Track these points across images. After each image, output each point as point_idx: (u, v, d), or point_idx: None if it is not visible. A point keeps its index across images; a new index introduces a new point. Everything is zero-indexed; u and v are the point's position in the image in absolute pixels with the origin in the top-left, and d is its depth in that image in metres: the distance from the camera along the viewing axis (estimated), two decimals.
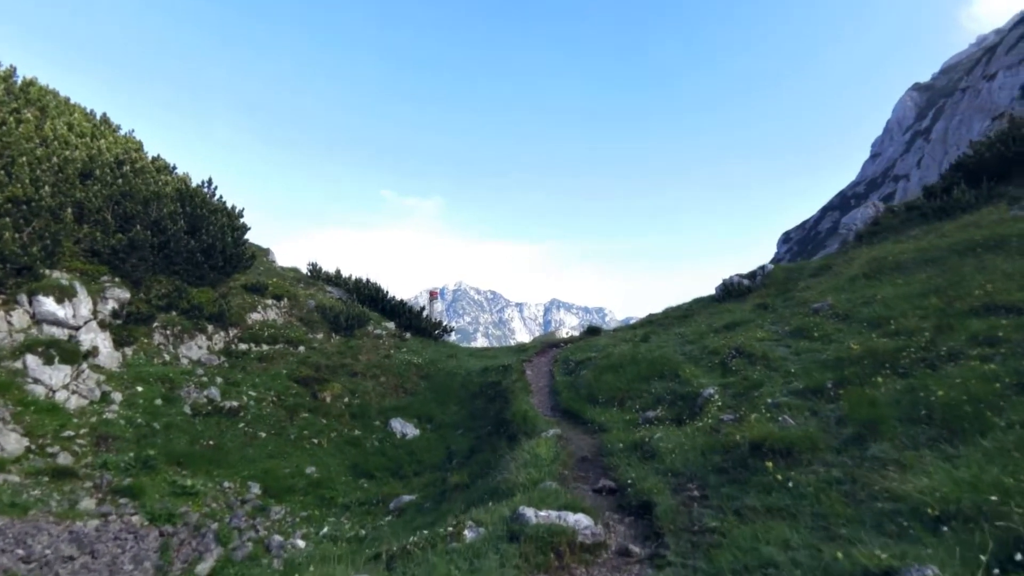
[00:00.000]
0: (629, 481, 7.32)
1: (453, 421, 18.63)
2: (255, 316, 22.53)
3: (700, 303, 23.55)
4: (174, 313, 20.24)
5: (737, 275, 23.76)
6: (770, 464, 5.98)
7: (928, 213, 17.58)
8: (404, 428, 18.58)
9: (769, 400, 8.61)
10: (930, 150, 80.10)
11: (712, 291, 24.96)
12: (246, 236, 29.89)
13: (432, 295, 32.42)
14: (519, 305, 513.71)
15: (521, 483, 7.93)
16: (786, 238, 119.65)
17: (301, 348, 22.19)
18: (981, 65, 72.03)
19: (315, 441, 17.45)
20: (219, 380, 18.61)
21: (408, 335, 26.71)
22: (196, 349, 19.86)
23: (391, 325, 26.80)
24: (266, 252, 30.45)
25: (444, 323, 28.98)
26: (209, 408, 16.51)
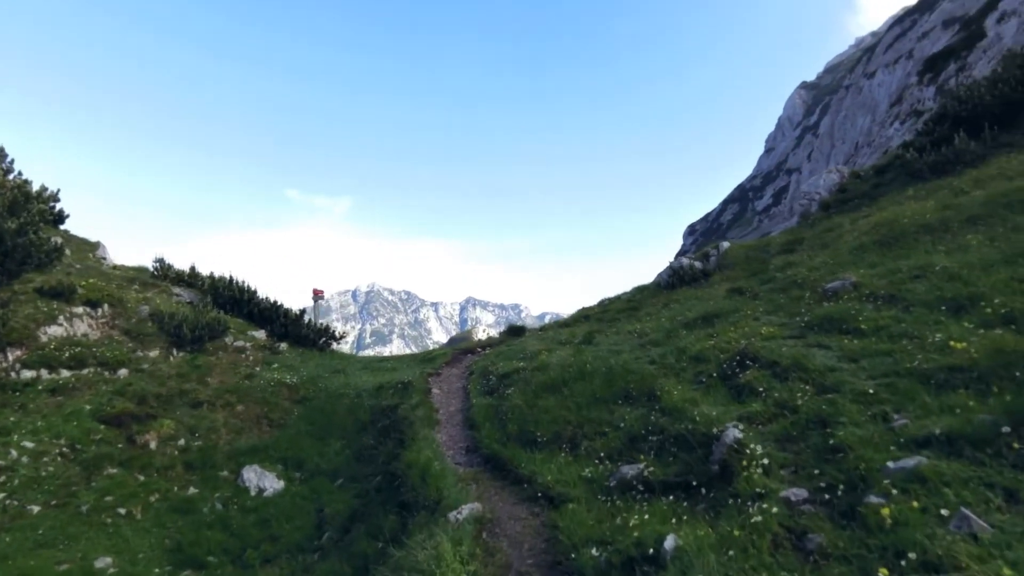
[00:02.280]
0: None
1: (332, 467, 13.74)
2: (54, 330, 16.53)
3: (645, 292, 19.85)
4: None
5: (686, 258, 20.29)
6: None
7: (921, 170, 14.63)
8: (262, 480, 13.49)
9: (880, 464, 4.56)
10: (819, 144, 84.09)
11: (651, 279, 21.51)
12: (57, 225, 23.37)
13: (316, 294, 26.99)
14: (434, 304, 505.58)
15: None
16: (691, 230, 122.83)
17: (122, 372, 16.46)
18: (861, 64, 75.68)
19: (122, 512, 12.11)
20: None
21: (283, 346, 21.35)
22: None
23: (260, 334, 21.33)
24: (94, 247, 23.98)
25: (332, 329, 23.75)
26: None
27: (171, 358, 17.93)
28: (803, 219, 19.03)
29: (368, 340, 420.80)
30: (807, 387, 6.64)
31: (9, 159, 21.20)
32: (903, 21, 63.84)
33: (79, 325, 17.27)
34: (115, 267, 23.28)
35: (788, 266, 13.63)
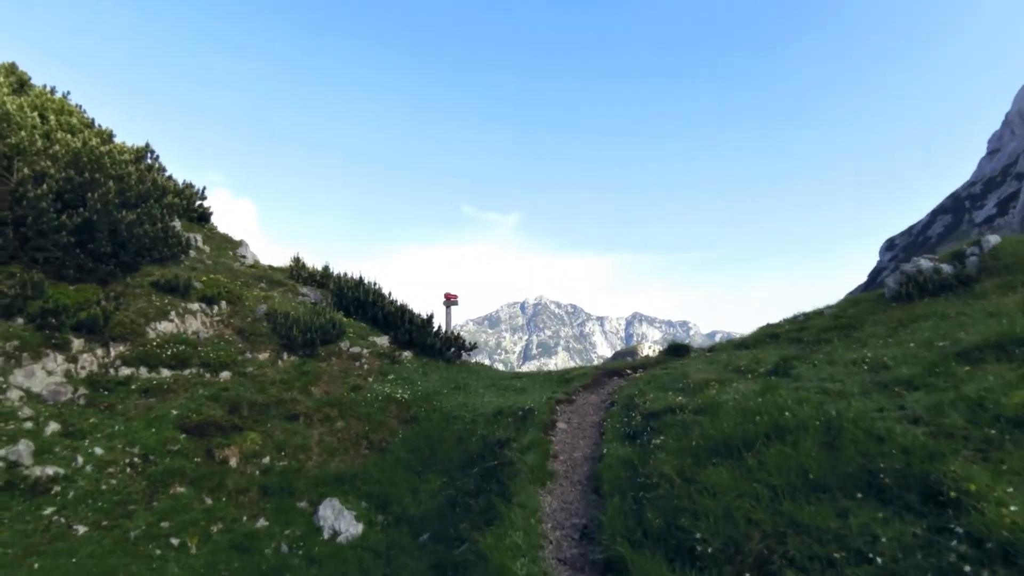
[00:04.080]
0: None
1: (422, 512, 10.80)
2: (163, 326, 15.60)
3: (861, 306, 14.67)
4: (20, 320, 13.57)
5: (924, 259, 14.71)
6: None
7: None
8: (339, 520, 10.92)
9: None
10: None
11: (839, 297, 15.94)
12: (201, 222, 23.46)
13: (447, 298, 24.66)
14: (600, 319, 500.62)
15: None
16: (890, 245, 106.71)
17: (224, 374, 15.05)
18: None
19: (175, 542, 10.15)
20: (51, 428, 11.69)
21: (406, 355, 19.15)
22: (42, 375, 13.09)
23: (382, 340, 19.33)
24: (236, 244, 23.88)
25: (462, 338, 21.18)
26: None
27: (279, 362, 16.35)
28: None
29: (535, 352, 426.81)
30: None
31: (155, 155, 21.51)
32: None
33: (191, 322, 16.29)
34: (252, 265, 22.87)
35: None
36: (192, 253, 20.30)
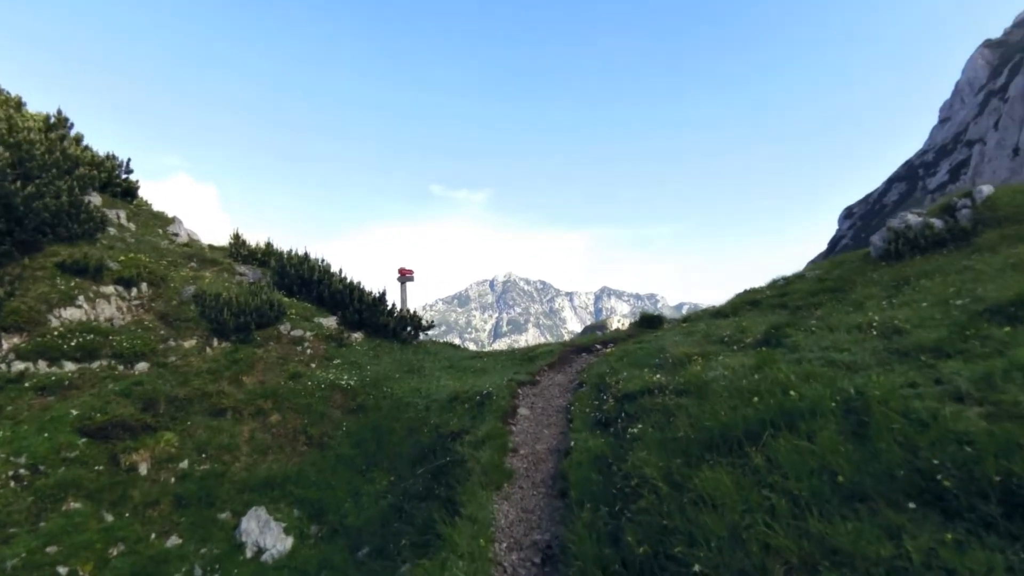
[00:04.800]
0: None
1: (362, 522, 9.29)
2: (69, 313, 13.65)
3: (846, 267, 13.53)
4: None
5: (911, 214, 13.65)
6: None
7: None
8: (265, 534, 9.35)
9: None
10: (1008, 109, 70.08)
11: (802, 267, 14.95)
12: (126, 197, 21.20)
13: (402, 273, 22.82)
14: (569, 294, 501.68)
15: None
16: (848, 213, 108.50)
17: (141, 366, 13.21)
18: None
19: (63, 571, 8.46)
20: None
21: (356, 336, 17.49)
22: None
23: (329, 321, 17.61)
24: (167, 221, 21.69)
25: (418, 317, 19.54)
26: None
27: (208, 350, 14.55)
28: None
29: (505, 329, 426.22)
30: None
31: (69, 123, 19.19)
32: None
33: (104, 307, 14.34)
34: (185, 244, 20.78)
35: None
36: (112, 231, 18.17)
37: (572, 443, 7.46)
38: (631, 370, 9.78)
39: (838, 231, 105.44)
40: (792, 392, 5.61)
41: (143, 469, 10.69)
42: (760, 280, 16.60)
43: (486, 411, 10.28)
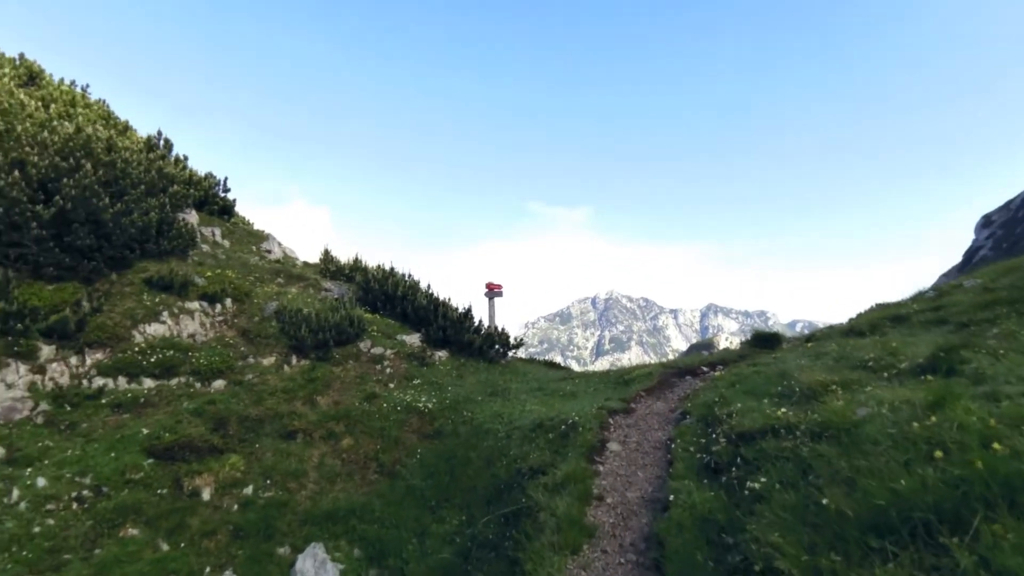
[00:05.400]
0: None
1: (426, 569, 8.07)
2: (153, 329, 13.63)
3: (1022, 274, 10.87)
4: None
5: None
6: None
7: None
8: None
9: None
10: None
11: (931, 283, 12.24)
12: (222, 215, 21.69)
13: (490, 288, 21.71)
14: (673, 311, 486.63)
15: None
16: (986, 221, 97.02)
17: (217, 383, 12.91)
18: None
19: None
20: None
21: (440, 354, 16.57)
22: (0, 390, 11.23)
23: (412, 339, 16.83)
24: (261, 238, 22.01)
25: (506, 334, 18.38)
26: None
27: (286, 367, 14.10)
28: None
29: (607, 347, 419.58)
30: None
31: (167, 142, 19.87)
32: None
33: (187, 323, 14.28)
34: (277, 261, 20.92)
35: None
36: (205, 248, 18.49)
37: (672, 496, 5.86)
38: (747, 400, 7.99)
39: (975, 242, 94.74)
40: (996, 445, 3.80)
41: (206, 494, 10.11)
42: (883, 296, 14.05)
43: (570, 444, 8.82)
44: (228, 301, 15.52)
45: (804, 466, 5.08)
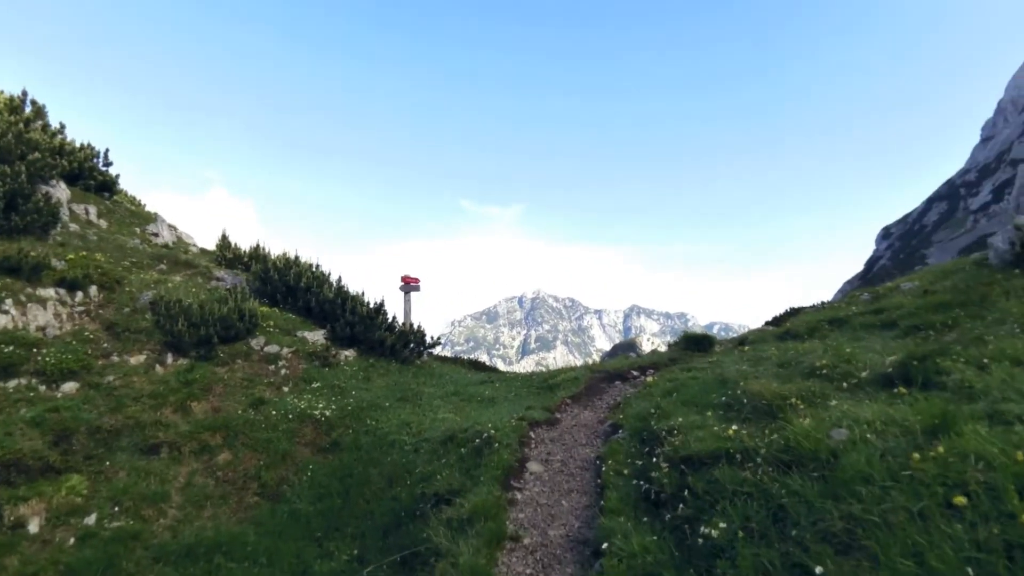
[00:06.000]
0: None
1: None
2: None
3: (961, 276, 10.51)
4: None
5: None
6: None
7: None
8: None
9: None
10: None
11: (836, 288, 12.00)
12: (102, 192, 19.08)
13: (405, 282, 20.14)
14: (598, 312, 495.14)
15: None
16: (886, 233, 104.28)
17: (68, 386, 10.81)
18: None
19: None
20: None
21: (347, 354, 14.92)
22: None
23: (316, 336, 15.08)
24: (147, 219, 19.52)
25: (422, 332, 16.90)
26: None
27: (159, 367, 12.10)
28: None
29: (533, 346, 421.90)
30: None
31: (39, 106, 17.17)
32: None
33: (37, 314, 12.01)
34: (165, 245, 18.55)
35: None
36: (74, 227, 16.01)
37: (606, 544, 4.64)
38: (688, 413, 6.94)
39: (875, 252, 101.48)
40: None
41: (34, 525, 8.15)
42: (790, 300, 13.76)
43: (483, 464, 7.50)
44: (93, 289, 13.30)
45: (774, 507, 3.99)
